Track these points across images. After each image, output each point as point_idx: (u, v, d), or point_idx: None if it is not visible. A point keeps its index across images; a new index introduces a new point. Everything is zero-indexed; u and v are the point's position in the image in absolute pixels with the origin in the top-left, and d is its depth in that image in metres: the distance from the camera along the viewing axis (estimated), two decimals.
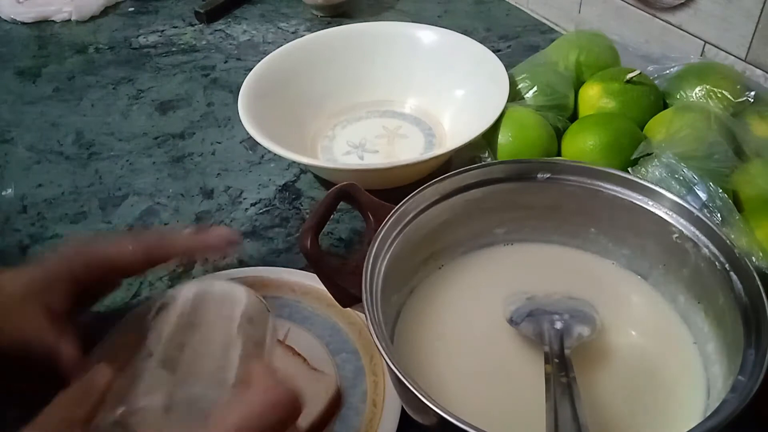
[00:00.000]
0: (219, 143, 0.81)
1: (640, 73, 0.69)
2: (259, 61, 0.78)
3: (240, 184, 0.74)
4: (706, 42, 0.78)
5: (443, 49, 0.81)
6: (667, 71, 0.73)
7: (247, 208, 0.71)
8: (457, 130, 0.77)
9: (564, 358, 0.44)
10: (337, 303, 0.50)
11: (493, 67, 0.75)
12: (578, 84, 0.74)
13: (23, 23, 1.08)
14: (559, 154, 0.69)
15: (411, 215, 0.51)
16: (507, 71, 0.73)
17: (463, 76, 0.79)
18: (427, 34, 0.82)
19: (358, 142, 0.78)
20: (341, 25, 0.91)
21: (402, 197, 0.51)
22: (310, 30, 1.02)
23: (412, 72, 0.82)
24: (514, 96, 0.72)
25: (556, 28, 1.00)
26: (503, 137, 0.67)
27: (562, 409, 0.40)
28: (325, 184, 0.73)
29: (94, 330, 0.56)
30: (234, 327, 0.41)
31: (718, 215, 0.54)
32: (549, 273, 0.55)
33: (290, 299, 0.58)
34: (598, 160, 0.63)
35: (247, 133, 0.68)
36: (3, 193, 0.75)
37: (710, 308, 0.48)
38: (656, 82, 0.72)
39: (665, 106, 0.69)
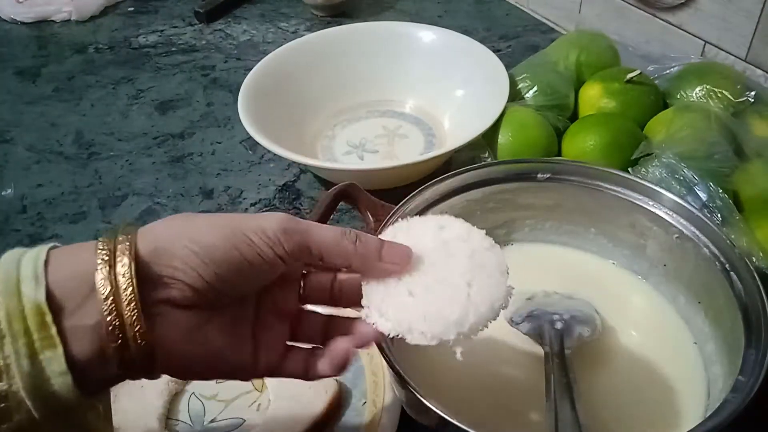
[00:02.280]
0: (219, 143, 0.81)
1: (640, 73, 0.69)
2: (259, 61, 0.78)
3: (240, 184, 0.74)
4: (706, 42, 0.78)
5: (443, 49, 0.81)
6: (668, 71, 0.73)
7: (246, 208, 0.71)
8: (457, 130, 0.76)
9: (564, 358, 0.44)
10: None
11: (493, 67, 0.75)
12: (578, 84, 0.74)
13: (23, 23, 1.08)
14: (559, 154, 0.68)
15: (411, 215, 0.51)
16: (507, 71, 0.73)
17: (463, 76, 0.79)
18: (427, 34, 0.82)
19: (358, 142, 0.78)
20: (341, 25, 0.91)
21: (402, 197, 0.50)
22: (310, 30, 1.02)
23: (412, 72, 0.82)
24: (515, 96, 0.72)
25: (557, 28, 1.00)
26: (503, 137, 0.67)
27: (562, 409, 0.40)
28: (325, 184, 0.73)
29: None
30: None
31: (719, 215, 0.54)
32: (549, 273, 0.55)
33: None
34: (599, 160, 0.63)
35: (247, 133, 0.68)
36: (3, 193, 0.75)
37: (710, 308, 0.48)
38: (656, 82, 0.71)
39: (665, 106, 0.69)
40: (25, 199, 0.74)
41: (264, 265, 0.35)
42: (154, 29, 1.06)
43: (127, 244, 0.32)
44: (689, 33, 0.80)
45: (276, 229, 0.35)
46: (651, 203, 0.51)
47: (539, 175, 0.53)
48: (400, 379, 0.39)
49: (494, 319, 0.37)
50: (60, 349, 0.30)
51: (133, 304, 0.31)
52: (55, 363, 0.30)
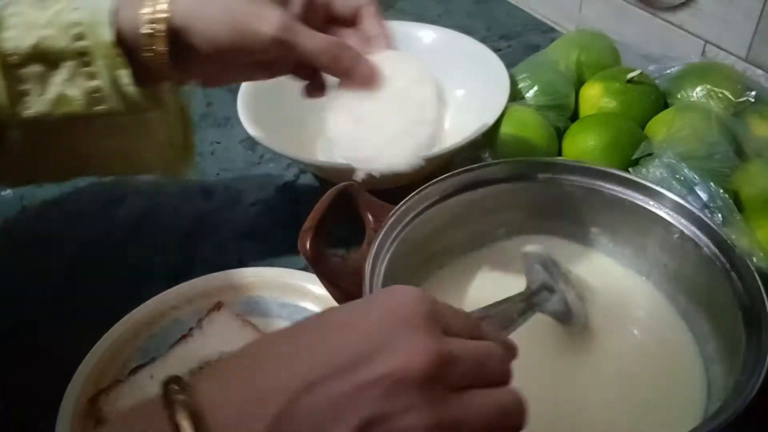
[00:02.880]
0: (218, 143, 0.81)
1: (640, 73, 0.69)
2: None
3: (240, 184, 0.74)
4: (706, 42, 0.78)
5: (443, 48, 0.81)
6: (668, 71, 0.73)
7: (247, 208, 0.71)
8: (457, 130, 0.76)
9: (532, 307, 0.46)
10: (336, 303, 0.50)
11: (494, 66, 0.74)
12: (579, 84, 0.74)
13: None
14: (559, 154, 0.68)
15: (411, 215, 0.51)
16: (507, 71, 0.73)
17: (463, 76, 0.78)
18: (428, 34, 0.82)
19: None
20: None
21: (402, 197, 0.50)
22: None
23: None
24: (515, 95, 0.72)
25: (557, 28, 1.00)
26: (503, 137, 0.67)
27: None
28: (325, 184, 0.73)
29: (95, 328, 0.56)
30: None
31: (719, 215, 0.54)
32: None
33: (290, 299, 0.58)
34: (599, 160, 0.63)
35: (247, 133, 0.68)
36: (3, 193, 0.74)
37: (710, 308, 0.48)
38: (657, 81, 0.71)
39: (666, 106, 0.69)
40: (25, 199, 0.73)
41: (257, 55, 0.47)
42: None
43: (166, 5, 0.45)
44: (690, 33, 0.80)
45: (269, 40, 0.45)
46: (651, 203, 0.51)
47: (539, 175, 0.53)
48: None
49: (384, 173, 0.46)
50: (127, 71, 0.46)
51: (163, 53, 0.46)
52: (125, 77, 0.46)
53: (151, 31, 0.45)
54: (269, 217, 0.70)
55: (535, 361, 0.48)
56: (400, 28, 0.84)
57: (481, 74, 0.76)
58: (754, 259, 0.51)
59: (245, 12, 0.46)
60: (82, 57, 0.46)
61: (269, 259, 0.65)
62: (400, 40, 0.82)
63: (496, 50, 0.78)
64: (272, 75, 0.54)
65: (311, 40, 0.47)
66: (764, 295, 0.42)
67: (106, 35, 0.45)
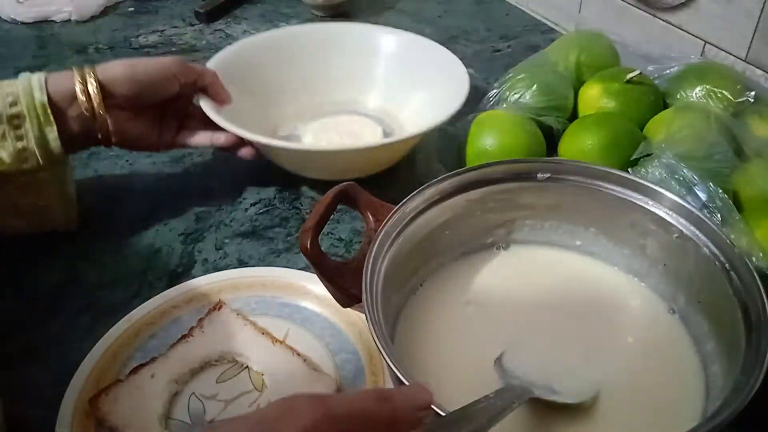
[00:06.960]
0: None
1: (640, 73, 0.69)
2: None
3: (240, 184, 0.74)
4: (706, 42, 0.78)
5: (406, 52, 0.81)
6: (668, 71, 0.73)
7: (247, 208, 0.71)
8: (415, 127, 0.75)
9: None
10: (337, 303, 0.50)
11: (455, 68, 0.74)
12: (578, 84, 0.74)
13: (23, 23, 1.08)
14: (556, 154, 0.68)
15: (411, 215, 0.51)
16: (505, 71, 0.73)
17: (424, 79, 0.78)
18: (390, 39, 0.82)
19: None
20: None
21: (402, 197, 0.50)
22: None
23: (375, 73, 0.82)
24: (514, 96, 0.72)
25: (557, 28, 1.00)
26: (471, 145, 0.67)
27: None
28: (325, 184, 0.73)
29: (95, 328, 0.56)
30: None
31: (718, 215, 0.54)
32: (548, 274, 0.55)
33: (290, 299, 0.58)
34: (598, 160, 0.63)
35: None
36: None
37: (709, 308, 0.48)
38: (656, 82, 0.72)
39: (665, 106, 0.69)
40: None
41: (165, 85, 0.65)
42: (154, 29, 1.06)
43: (92, 74, 0.61)
44: (689, 33, 0.80)
45: (174, 65, 0.66)
46: (651, 203, 0.51)
47: (539, 175, 0.53)
48: (400, 379, 0.39)
49: None
50: (54, 127, 0.58)
51: (100, 103, 0.61)
52: (51, 134, 0.58)
53: (88, 85, 0.60)
54: (269, 217, 0.70)
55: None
56: (365, 30, 0.83)
57: (442, 77, 0.75)
58: (754, 259, 0.51)
59: (146, 66, 0.64)
60: (14, 120, 0.56)
61: (269, 259, 0.65)
62: (362, 43, 0.82)
63: (496, 51, 0.79)
64: (169, 137, 0.70)
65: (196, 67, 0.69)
66: (764, 295, 0.42)
67: (40, 97, 0.57)
